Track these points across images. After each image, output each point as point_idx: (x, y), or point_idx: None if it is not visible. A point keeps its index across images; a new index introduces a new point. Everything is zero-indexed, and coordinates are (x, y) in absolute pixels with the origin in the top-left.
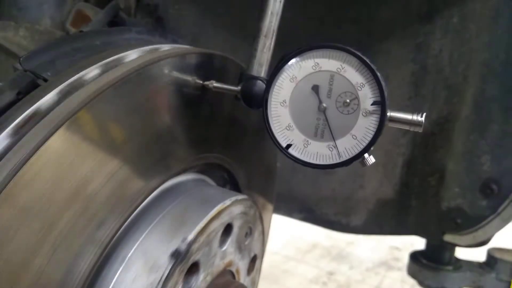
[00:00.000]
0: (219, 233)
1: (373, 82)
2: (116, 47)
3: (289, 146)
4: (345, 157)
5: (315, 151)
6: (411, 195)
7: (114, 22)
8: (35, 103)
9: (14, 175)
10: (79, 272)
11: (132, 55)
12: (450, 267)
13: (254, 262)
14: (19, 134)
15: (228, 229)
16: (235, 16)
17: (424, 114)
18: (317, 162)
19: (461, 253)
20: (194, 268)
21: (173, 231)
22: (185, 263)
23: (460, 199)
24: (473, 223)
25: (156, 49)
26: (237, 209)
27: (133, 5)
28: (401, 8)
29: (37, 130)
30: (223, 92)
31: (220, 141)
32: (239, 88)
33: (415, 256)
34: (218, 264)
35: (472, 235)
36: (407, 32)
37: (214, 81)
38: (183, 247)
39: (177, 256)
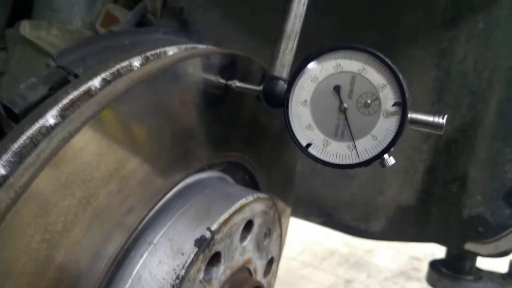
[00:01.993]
0: (241, 228)
1: (395, 83)
2: (145, 46)
3: (309, 145)
4: (364, 157)
5: (335, 151)
6: (432, 202)
7: (142, 23)
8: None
9: (61, 148)
10: (108, 252)
11: (170, 52)
12: (470, 277)
13: (271, 265)
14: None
15: (248, 225)
16: (258, 20)
17: (446, 116)
18: (337, 161)
19: (483, 263)
20: (215, 259)
21: (198, 220)
22: (208, 251)
23: (482, 207)
24: (495, 232)
25: (186, 49)
26: (259, 207)
27: (159, 8)
28: (426, 13)
29: (83, 110)
30: (246, 93)
31: (242, 141)
32: (261, 88)
33: (434, 265)
34: (238, 260)
35: (494, 244)
36: (431, 38)
37: (237, 81)
38: (207, 235)
39: (201, 244)
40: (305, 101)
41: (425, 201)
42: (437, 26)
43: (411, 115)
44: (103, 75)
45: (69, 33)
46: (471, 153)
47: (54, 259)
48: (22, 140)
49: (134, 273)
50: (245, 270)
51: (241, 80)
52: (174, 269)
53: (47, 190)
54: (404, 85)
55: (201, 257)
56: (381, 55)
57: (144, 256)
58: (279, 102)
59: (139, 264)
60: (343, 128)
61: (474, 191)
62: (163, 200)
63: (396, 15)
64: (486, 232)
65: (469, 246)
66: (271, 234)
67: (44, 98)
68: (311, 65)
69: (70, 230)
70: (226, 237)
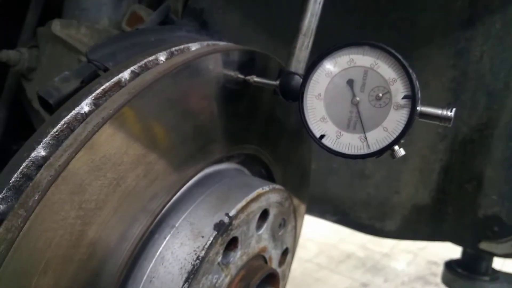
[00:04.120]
0: (257, 216)
1: (405, 77)
2: (169, 43)
3: (322, 136)
4: (375, 148)
5: (347, 142)
6: (448, 201)
7: (165, 22)
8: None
9: (95, 132)
10: (134, 233)
11: (192, 47)
12: (486, 278)
13: (285, 256)
14: (100, 101)
15: (264, 214)
16: (276, 21)
17: (454, 109)
18: (349, 152)
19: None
20: (233, 244)
21: (217, 206)
22: (226, 235)
23: (497, 207)
24: (510, 231)
25: (208, 45)
26: (274, 197)
27: (180, 9)
28: (442, 14)
29: (114, 99)
30: (263, 89)
31: (259, 135)
32: (277, 82)
33: (450, 265)
34: (254, 247)
35: (509, 243)
36: (448, 38)
37: (255, 76)
38: (226, 220)
39: (220, 228)
40: (319, 94)
41: (441, 200)
42: (454, 26)
43: (420, 108)
44: (132, 68)
45: (97, 32)
46: (487, 153)
47: (87, 234)
48: (60, 125)
49: (157, 253)
50: (261, 258)
51: (259, 75)
52: (194, 250)
53: (82, 170)
54: (414, 79)
55: (219, 240)
56: (392, 51)
57: (167, 238)
58: (294, 95)
59: (162, 245)
60: (355, 120)
61: (490, 191)
62: (185, 187)
63: (413, 15)
64: (501, 231)
65: (484, 246)
66: (286, 225)
67: (76, 90)
68: (326, 60)
69: (101, 209)
70: (243, 223)
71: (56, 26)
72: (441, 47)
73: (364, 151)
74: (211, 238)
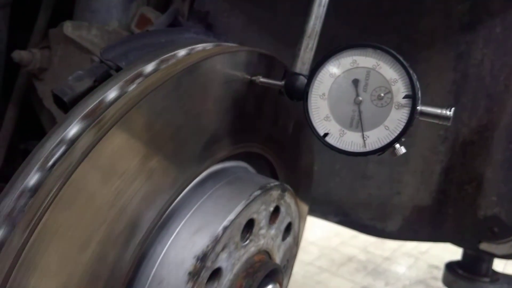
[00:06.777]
0: (286, 221)
1: (406, 78)
2: (178, 44)
3: (326, 134)
4: (377, 146)
5: (350, 140)
6: (448, 202)
7: (173, 24)
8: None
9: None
10: (186, 179)
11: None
12: (486, 279)
13: None
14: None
15: (289, 228)
16: (280, 23)
17: (453, 109)
18: (351, 150)
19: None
20: (272, 219)
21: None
22: (265, 195)
23: (497, 207)
24: (510, 232)
25: (216, 46)
26: (294, 209)
27: (186, 12)
28: (443, 17)
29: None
30: (268, 90)
31: (265, 134)
32: (283, 83)
33: (451, 266)
34: (275, 246)
35: (508, 244)
36: (449, 41)
37: (260, 77)
38: (267, 186)
39: (263, 189)
40: (323, 94)
41: (441, 201)
42: (455, 30)
43: (420, 107)
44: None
45: (107, 33)
46: (487, 154)
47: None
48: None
49: (213, 189)
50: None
51: (265, 76)
52: (249, 193)
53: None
54: (414, 79)
55: (260, 199)
56: (394, 52)
57: (222, 182)
58: (299, 95)
59: (210, 192)
60: (358, 119)
61: (490, 192)
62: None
63: (414, 19)
64: (501, 232)
65: (484, 246)
66: (287, 268)
67: (89, 89)
68: (330, 61)
69: (118, 199)
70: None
71: (68, 27)
72: (443, 50)
73: (366, 148)
74: (257, 192)
